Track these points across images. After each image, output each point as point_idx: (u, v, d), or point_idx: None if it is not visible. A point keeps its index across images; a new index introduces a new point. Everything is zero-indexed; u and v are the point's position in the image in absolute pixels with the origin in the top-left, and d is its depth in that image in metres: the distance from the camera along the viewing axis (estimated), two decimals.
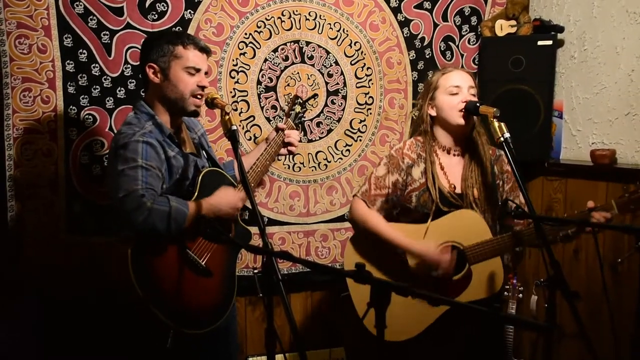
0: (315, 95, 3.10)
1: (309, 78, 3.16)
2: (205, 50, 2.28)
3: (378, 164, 2.50)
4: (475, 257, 2.32)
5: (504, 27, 3.35)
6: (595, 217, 2.20)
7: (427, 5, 3.33)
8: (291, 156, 3.10)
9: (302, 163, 3.19)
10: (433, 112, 2.45)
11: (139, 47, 2.78)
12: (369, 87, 3.28)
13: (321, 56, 3.17)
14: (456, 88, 2.38)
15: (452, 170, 2.44)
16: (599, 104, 3.09)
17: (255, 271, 2.53)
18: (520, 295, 3.00)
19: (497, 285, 2.33)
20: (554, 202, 3.26)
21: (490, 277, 2.33)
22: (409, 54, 3.33)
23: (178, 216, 2.06)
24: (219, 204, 2.20)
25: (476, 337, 2.42)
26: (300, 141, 2.71)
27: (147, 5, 2.85)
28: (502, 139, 2.14)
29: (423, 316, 2.36)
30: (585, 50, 3.17)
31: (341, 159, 3.26)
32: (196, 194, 2.23)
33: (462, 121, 2.36)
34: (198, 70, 2.24)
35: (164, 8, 2.88)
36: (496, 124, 2.17)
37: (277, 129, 2.61)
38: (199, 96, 2.25)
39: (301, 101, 2.74)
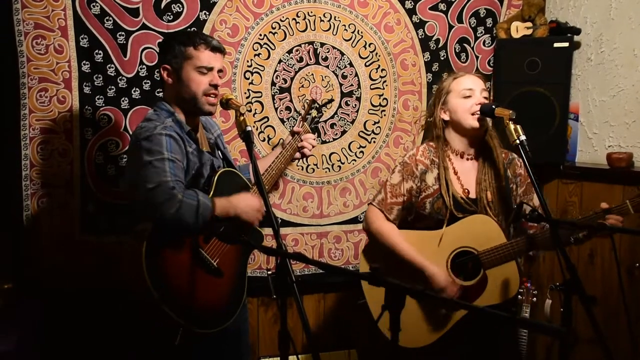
0: (331, 100, 3.10)
1: (323, 79, 3.15)
2: (218, 49, 2.28)
3: (392, 172, 2.49)
4: (489, 262, 2.31)
5: (519, 29, 3.33)
6: (610, 219, 2.18)
7: (442, 6, 3.31)
8: (305, 158, 3.10)
9: (316, 164, 3.18)
10: (446, 117, 2.44)
11: (155, 47, 2.83)
12: (383, 88, 3.27)
13: (335, 57, 3.17)
14: (469, 91, 2.38)
15: (465, 174, 2.43)
16: (616, 106, 3.07)
17: (269, 272, 2.53)
18: (535, 299, 2.97)
19: (513, 290, 2.31)
20: (569, 205, 3.23)
21: (505, 281, 2.32)
22: (423, 56, 3.32)
23: (205, 211, 2.06)
24: (238, 203, 2.21)
25: (489, 341, 2.40)
26: (313, 147, 2.72)
27: (162, 6, 2.86)
28: (517, 141, 2.12)
29: (439, 323, 2.36)
30: (602, 52, 3.14)
31: (355, 160, 3.25)
32: (212, 192, 2.23)
33: (476, 124, 2.35)
34: (210, 69, 2.24)
35: (179, 9, 2.89)
36: (512, 126, 2.16)
37: (293, 133, 2.62)
38: (212, 95, 2.26)
39: (318, 105, 2.75)
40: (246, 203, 2.24)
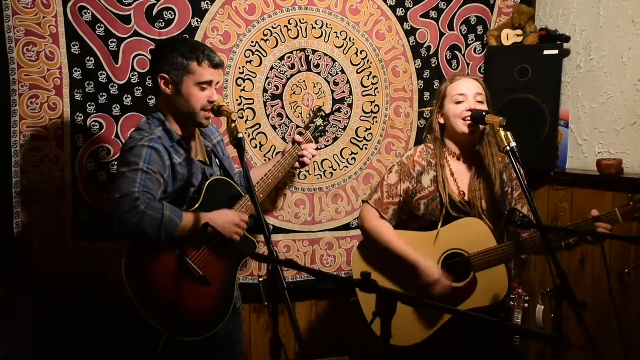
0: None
1: (315, 86, 3.16)
2: (220, 66, 2.25)
3: (389, 171, 2.51)
4: (480, 264, 2.33)
5: (510, 37, 3.36)
6: (599, 227, 2.20)
7: (433, 14, 3.33)
8: (303, 167, 3.10)
9: (308, 171, 3.18)
10: (442, 121, 2.47)
11: (146, 54, 2.82)
12: (375, 95, 3.28)
13: (327, 65, 3.18)
14: (461, 96, 2.40)
15: (461, 177, 2.45)
16: (605, 113, 3.09)
17: (261, 279, 2.53)
18: (526, 305, 2.98)
19: (502, 294, 2.33)
20: (560, 211, 3.25)
21: (495, 285, 2.34)
22: (415, 63, 3.34)
23: (169, 226, 2.04)
24: (215, 219, 2.17)
25: (482, 340, 2.41)
26: (313, 157, 2.72)
27: (154, 13, 2.86)
28: (508, 148, 2.14)
29: (430, 322, 2.38)
30: (592, 60, 3.17)
31: (347, 167, 3.25)
32: (200, 201, 2.23)
33: (466, 130, 2.37)
34: (210, 83, 2.22)
35: (171, 16, 2.89)
36: (502, 133, 2.17)
37: (294, 142, 2.61)
38: (209, 110, 2.24)
39: (324, 114, 2.74)
40: (224, 219, 2.22)
